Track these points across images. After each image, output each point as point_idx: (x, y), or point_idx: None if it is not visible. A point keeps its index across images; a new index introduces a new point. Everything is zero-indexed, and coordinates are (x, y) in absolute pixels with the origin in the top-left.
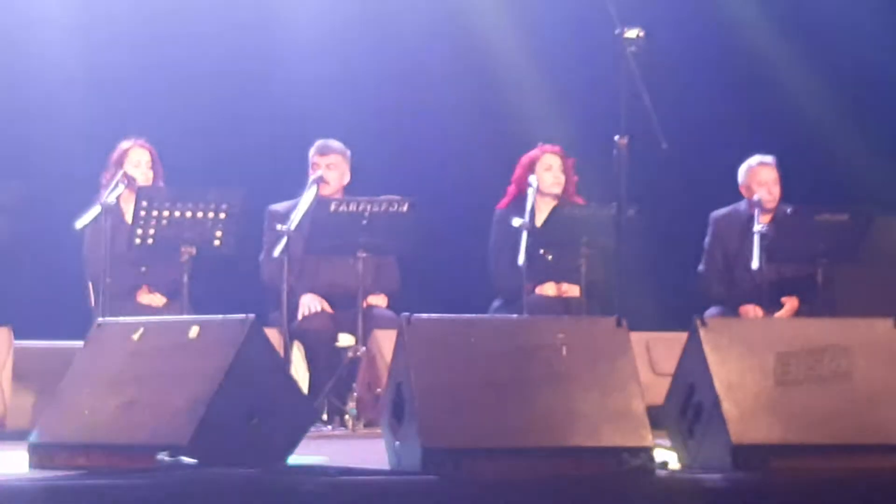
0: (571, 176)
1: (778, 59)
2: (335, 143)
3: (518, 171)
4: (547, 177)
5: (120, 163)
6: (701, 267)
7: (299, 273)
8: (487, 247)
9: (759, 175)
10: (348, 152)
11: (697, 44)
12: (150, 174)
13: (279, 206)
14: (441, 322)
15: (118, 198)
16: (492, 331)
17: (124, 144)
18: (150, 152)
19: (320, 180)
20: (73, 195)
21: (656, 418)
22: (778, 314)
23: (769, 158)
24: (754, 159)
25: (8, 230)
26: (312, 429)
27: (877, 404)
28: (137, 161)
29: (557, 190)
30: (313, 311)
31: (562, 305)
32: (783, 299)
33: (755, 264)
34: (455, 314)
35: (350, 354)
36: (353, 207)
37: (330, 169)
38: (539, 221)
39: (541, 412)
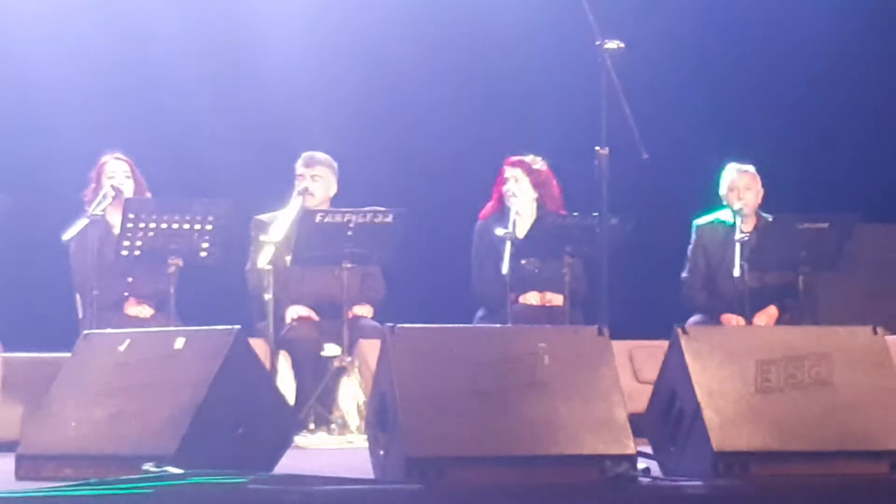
0: (542, 187)
1: (757, 68)
2: (321, 155)
3: (496, 184)
4: (505, 190)
5: (98, 177)
6: (684, 274)
7: (285, 284)
8: (470, 256)
9: (732, 181)
10: (335, 164)
11: (677, 55)
12: (129, 184)
13: (265, 217)
14: (425, 332)
15: (105, 210)
16: (475, 340)
17: (102, 159)
18: (127, 163)
19: (305, 192)
20: (61, 208)
21: (640, 426)
22: (756, 319)
23: (746, 166)
24: (731, 167)
25: None
26: (298, 438)
27: (857, 411)
28: (112, 173)
29: (511, 202)
30: (299, 321)
31: (545, 314)
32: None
33: (737, 272)
34: (440, 324)
35: (336, 364)
36: (338, 218)
37: (315, 180)
38: (520, 232)
39: (523, 421)
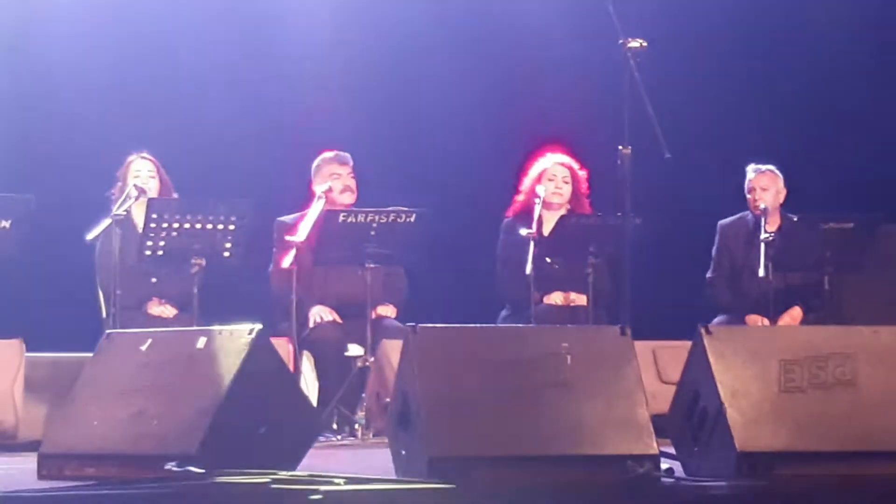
0: (580, 188)
1: (780, 67)
2: (348, 155)
3: (526, 180)
4: (549, 186)
5: (125, 176)
6: (709, 274)
7: (308, 284)
8: (495, 255)
9: (751, 181)
10: None
11: (700, 54)
12: (153, 184)
13: (287, 218)
14: (447, 332)
15: (129, 209)
16: (497, 340)
17: (129, 158)
18: (153, 163)
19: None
20: (85, 207)
21: (664, 426)
22: (780, 321)
23: (766, 166)
24: (750, 167)
25: (20, 242)
26: (322, 438)
27: (881, 411)
28: (138, 172)
29: (558, 200)
30: (322, 321)
31: (569, 314)
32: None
33: (762, 272)
34: (463, 324)
35: (359, 364)
36: (361, 218)
37: (352, 178)
38: (546, 231)
39: (546, 420)
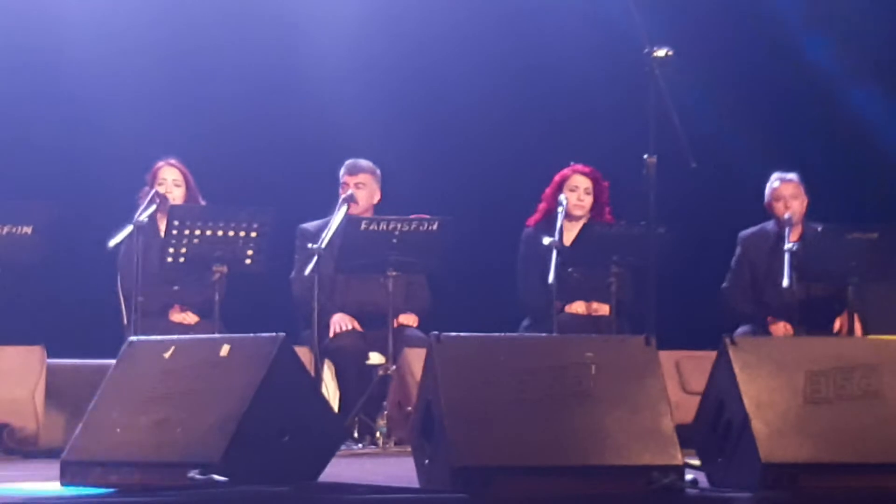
0: (602, 199)
1: (806, 77)
2: (364, 163)
3: (549, 189)
4: (571, 197)
5: (152, 182)
6: (724, 284)
7: (330, 292)
8: (516, 264)
9: (777, 190)
10: (378, 171)
11: (726, 63)
12: (177, 192)
13: (310, 225)
14: (470, 341)
15: (151, 216)
16: (520, 349)
17: (157, 163)
18: (180, 170)
19: (350, 199)
20: (106, 214)
21: (688, 437)
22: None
23: (790, 175)
24: (774, 176)
25: (41, 249)
26: (343, 447)
27: None
28: (163, 179)
29: (579, 212)
30: (344, 329)
31: (592, 324)
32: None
33: (785, 282)
34: (485, 333)
35: (380, 373)
36: (383, 226)
37: (359, 188)
38: (567, 241)
39: (570, 431)
